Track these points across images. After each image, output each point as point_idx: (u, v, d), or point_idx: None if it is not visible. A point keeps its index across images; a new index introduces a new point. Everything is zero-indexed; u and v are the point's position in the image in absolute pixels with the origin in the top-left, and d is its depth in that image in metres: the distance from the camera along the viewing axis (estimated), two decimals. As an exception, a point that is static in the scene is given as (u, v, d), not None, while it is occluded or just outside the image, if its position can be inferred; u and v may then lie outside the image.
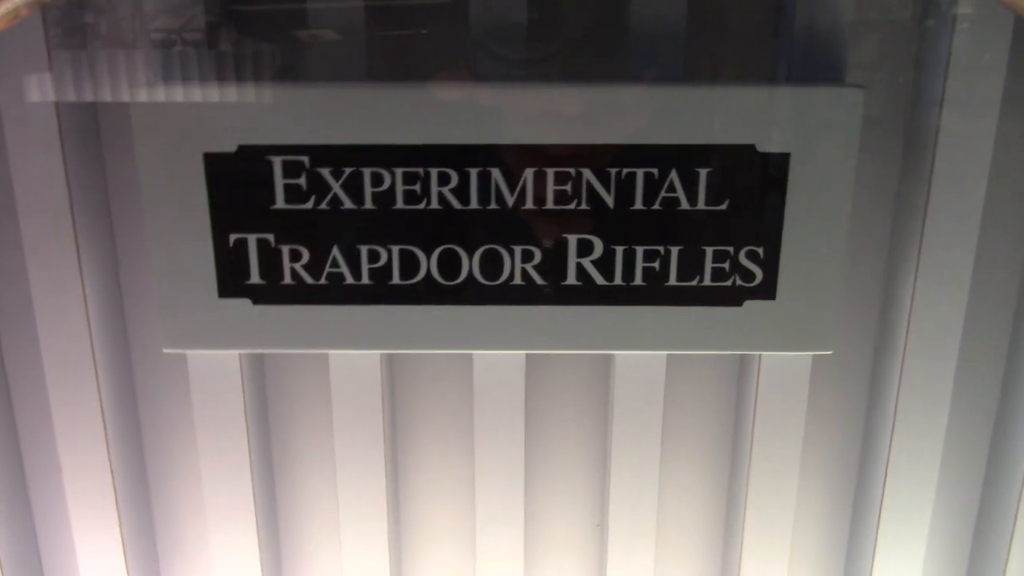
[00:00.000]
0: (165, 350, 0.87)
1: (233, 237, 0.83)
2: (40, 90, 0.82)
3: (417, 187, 0.81)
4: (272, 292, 0.85)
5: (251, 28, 0.83)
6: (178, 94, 0.80)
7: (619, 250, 0.84)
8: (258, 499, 0.98)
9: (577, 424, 1.01)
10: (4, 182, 0.86)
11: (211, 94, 0.80)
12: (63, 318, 0.90)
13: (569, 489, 1.04)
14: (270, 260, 0.84)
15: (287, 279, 0.84)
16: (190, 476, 1.03)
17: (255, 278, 0.84)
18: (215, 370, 0.92)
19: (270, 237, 0.83)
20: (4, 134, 0.84)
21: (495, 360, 0.93)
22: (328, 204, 0.82)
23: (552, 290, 0.85)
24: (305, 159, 0.81)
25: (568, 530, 1.06)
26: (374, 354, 0.93)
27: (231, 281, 0.84)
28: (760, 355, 0.92)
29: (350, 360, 0.93)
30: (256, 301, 0.85)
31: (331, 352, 0.93)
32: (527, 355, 0.94)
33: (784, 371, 0.93)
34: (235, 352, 0.91)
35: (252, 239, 0.83)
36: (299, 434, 1.01)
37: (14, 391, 0.97)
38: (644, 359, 0.93)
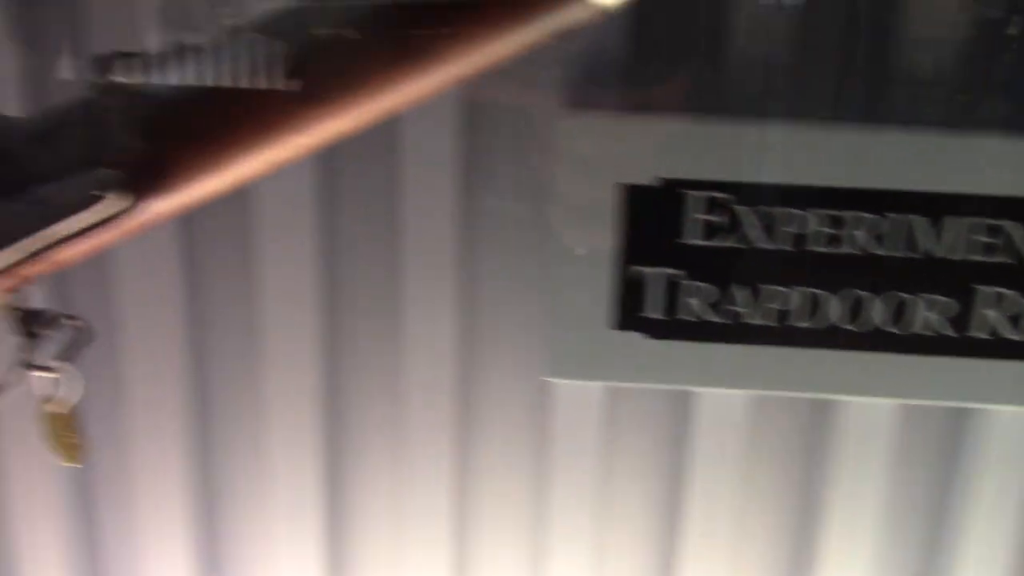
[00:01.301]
0: (547, 378, 0.86)
1: (636, 270, 0.82)
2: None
3: (835, 230, 0.79)
4: (668, 327, 0.83)
5: (669, 58, 0.82)
6: (600, 123, 0.79)
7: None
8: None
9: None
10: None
11: (634, 125, 0.79)
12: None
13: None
14: (671, 295, 0.82)
15: (685, 315, 0.83)
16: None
17: (652, 312, 0.83)
18: (579, 399, 0.91)
19: (675, 272, 0.82)
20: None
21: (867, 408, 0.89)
22: (741, 242, 0.80)
23: (960, 340, 0.81)
24: (724, 195, 0.79)
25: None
26: (760, 394, 0.90)
27: (626, 314, 0.83)
28: None
29: (723, 399, 0.90)
30: (651, 335, 0.84)
31: (706, 390, 0.90)
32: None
33: None
34: (601, 384, 0.90)
35: (655, 273, 0.82)
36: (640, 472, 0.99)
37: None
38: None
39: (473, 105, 0.82)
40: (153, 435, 0.99)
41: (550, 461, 0.94)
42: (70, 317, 0.58)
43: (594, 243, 0.81)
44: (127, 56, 0.49)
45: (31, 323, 0.56)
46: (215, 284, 0.93)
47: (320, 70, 0.48)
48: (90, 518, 1.06)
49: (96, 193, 0.48)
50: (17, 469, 1.01)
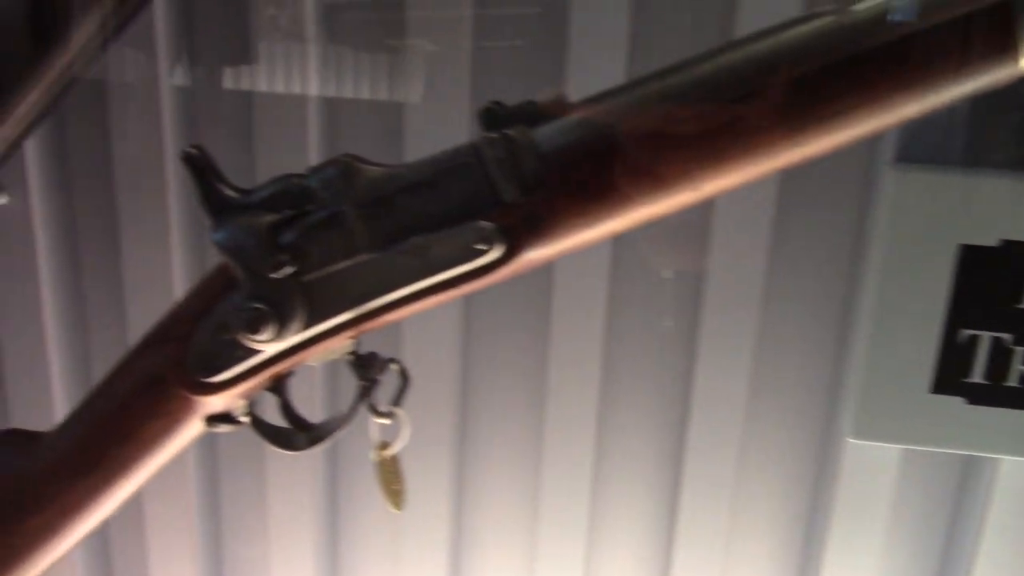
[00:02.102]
0: (852, 440, 0.84)
1: (965, 333, 0.79)
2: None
3: None
4: (991, 393, 0.80)
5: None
6: (941, 179, 0.77)
7: None
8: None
9: None
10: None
11: (979, 183, 0.77)
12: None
13: None
14: (999, 360, 0.79)
15: (1013, 381, 0.79)
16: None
17: (977, 377, 0.80)
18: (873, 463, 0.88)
19: (1006, 336, 0.79)
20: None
21: None
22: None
23: None
24: (1071, 260, 0.76)
25: None
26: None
27: (949, 377, 0.80)
28: None
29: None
30: (972, 401, 0.81)
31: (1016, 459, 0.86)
32: None
33: None
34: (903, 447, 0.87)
35: (986, 336, 0.79)
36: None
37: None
38: None
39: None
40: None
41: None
42: (392, 361, 0.58)
43: (921, 302, 0.78)
44: (514, 109, 0.49)
45: (367, 368, 0.56)
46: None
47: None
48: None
49: (479, 247, 0.48)
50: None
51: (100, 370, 0.58)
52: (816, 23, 0.45)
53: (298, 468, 0.99)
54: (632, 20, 0.81)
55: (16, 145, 0.68)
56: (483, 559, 1.04)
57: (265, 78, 0.88)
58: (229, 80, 0.90)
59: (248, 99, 0.88)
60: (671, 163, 0.47)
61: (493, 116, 0.48)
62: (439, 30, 0.83)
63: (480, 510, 1.01)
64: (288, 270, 0.48)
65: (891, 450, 0.87)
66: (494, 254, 0.48)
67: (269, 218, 0.48)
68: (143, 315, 0.95)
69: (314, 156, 0.88)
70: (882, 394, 0.81)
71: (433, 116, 0.84)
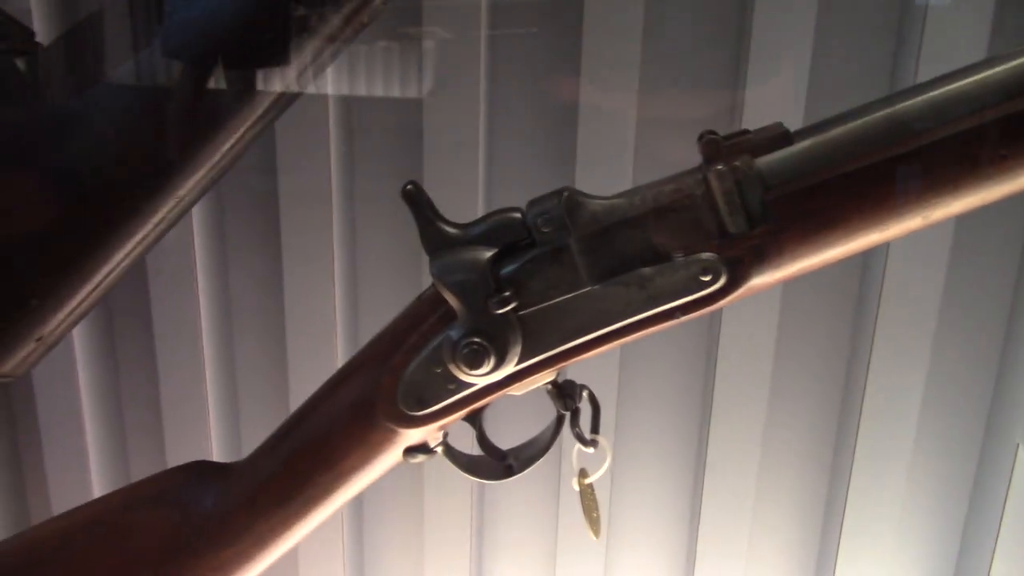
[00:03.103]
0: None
1: None
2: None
3: None
4: None
5: None
6: None
7: None
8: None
9: None
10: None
11: None
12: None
13: None
14: None
15: None
16: None
17: None
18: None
19: None
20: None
21: None
22: None
23: None
24: None
25: None
26: None
27: None
28: None
29: None
30: None
31: None
32: None
33: None
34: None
35: None
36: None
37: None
38: None
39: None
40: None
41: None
42: (583, 387, 0.57)
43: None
44: (737, 136, 0.48)
45: (568, 397, 0.56)
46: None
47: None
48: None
49: (704, 279, 0.47)
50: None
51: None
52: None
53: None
54: (647, 7, 0.80)
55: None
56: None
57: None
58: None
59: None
60: (905, 193, 0.46)
61: (715, 146, 0.47)
62: (453, 19, 0.82)
63: (499, 529, 1.01)
64: (510, 305, 0.48)
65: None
66: (718, 284, 0.47)
67: (490, 253, 0.48)
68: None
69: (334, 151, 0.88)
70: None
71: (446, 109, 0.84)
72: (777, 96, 0.80)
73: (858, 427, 0.88)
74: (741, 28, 0.80)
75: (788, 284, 0.83)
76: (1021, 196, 0.74)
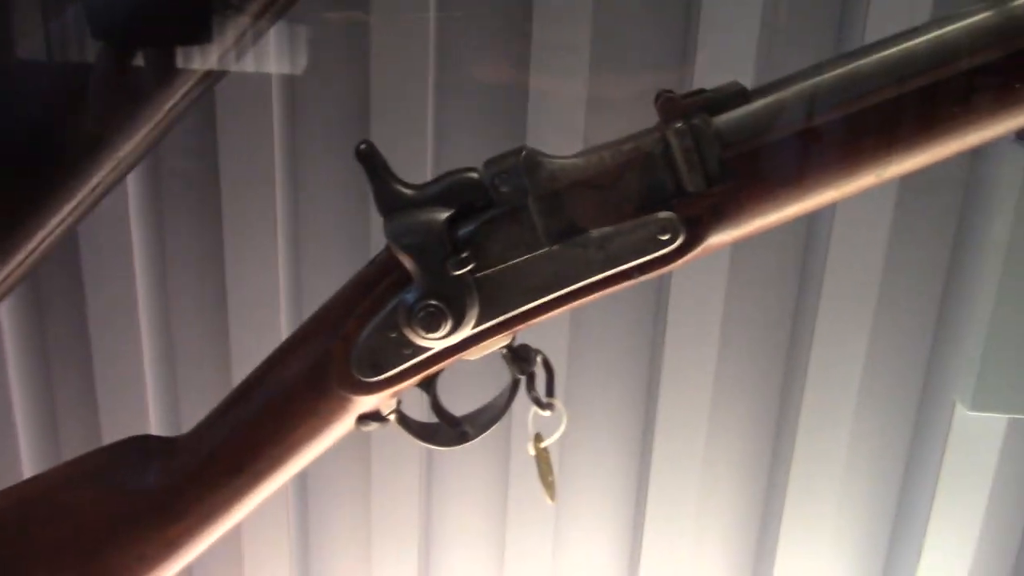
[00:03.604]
0: (971, 412, 0.83)
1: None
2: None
3: None
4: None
5: None
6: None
7: None
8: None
9: None
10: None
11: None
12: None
13: None
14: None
15: None
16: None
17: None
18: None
19: None
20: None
21: None
22: None
23: None
24: None
25: None
26: None
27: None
28: None
29: None
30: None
31: None
32: None
33: None
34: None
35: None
36: None
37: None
38: None
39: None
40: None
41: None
42: (537, 351, 0.57)
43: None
44: (692, 98, 0.48)
45: (523, 361, 0.55)
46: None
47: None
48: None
49: (662, 238, 0.47)
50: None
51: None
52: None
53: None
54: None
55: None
56: (452, 551, 1.03)
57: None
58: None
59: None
60: (860, 150, 0.46)
61: (672, 105, 0.47)
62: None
63: (449, 501, 1.01)
64: (468, 267, 0.47)
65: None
66: (676, 243, 0.47)
67: (446, 214, 0.47)
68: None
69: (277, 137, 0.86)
70: (1003, 366, 0.81)
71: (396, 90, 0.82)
72: (726, 72, 0.80)
73: (803, 389, 0.89)
74: (689, 3, 0.80)
75: (736, 248, 0.84)
76: (959, 160, 0.76)
